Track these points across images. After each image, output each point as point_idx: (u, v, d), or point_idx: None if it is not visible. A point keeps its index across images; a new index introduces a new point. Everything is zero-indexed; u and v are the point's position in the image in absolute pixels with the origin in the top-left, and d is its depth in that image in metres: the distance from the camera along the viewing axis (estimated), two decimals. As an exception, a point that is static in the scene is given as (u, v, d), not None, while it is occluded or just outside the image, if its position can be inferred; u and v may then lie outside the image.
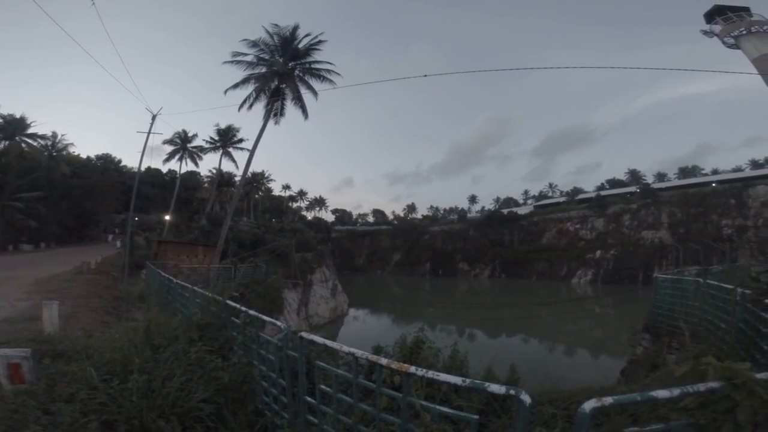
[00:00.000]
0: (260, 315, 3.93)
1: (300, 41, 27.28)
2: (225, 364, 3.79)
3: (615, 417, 3.38)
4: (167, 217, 43.82)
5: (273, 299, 24.18)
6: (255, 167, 73.27)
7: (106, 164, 60.24)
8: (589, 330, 31.57)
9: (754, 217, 47.99)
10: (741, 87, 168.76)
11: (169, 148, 48.75)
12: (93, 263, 19.44)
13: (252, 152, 28.82)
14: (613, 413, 3.44)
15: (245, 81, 27.40)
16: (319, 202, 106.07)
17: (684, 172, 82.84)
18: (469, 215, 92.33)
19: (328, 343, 2.95)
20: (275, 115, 28.39)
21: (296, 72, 27.90)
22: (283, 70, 27.01)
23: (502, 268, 69.21)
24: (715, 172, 75.80)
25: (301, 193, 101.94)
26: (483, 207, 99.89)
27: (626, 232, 58.06)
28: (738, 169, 71.82)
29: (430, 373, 2.30)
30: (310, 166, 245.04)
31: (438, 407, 2.38)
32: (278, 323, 3.64)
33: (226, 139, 46.74)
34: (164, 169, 65.36)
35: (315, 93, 27.34)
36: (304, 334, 3.11)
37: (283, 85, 27.67)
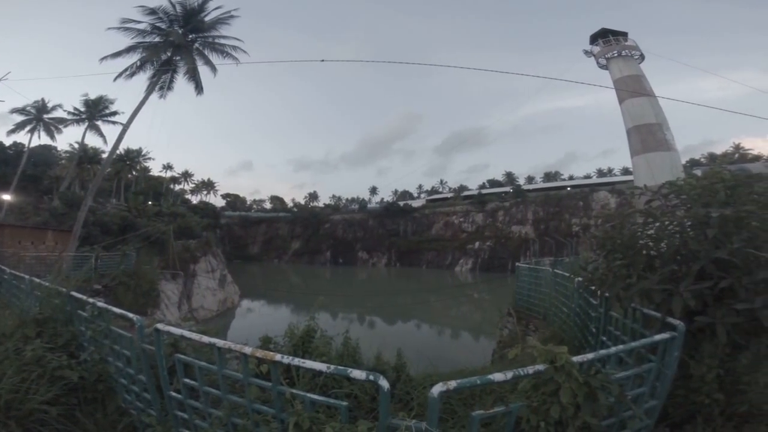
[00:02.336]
0: (109, 307, 3.53)
1: (208, 14, 24.63)
2: (72, 362, 3.44)
3: (484, 396, 3.70)
4: (7, 197, 35.21)
5: (147, 292, 21.48)
6: (133, 144, 63.89)
7: None
8: (470, 314, 34.51)
9: (594, 218, 58.67)
10: (603, 105, 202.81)
11: (20, 119, 39.53)
12: None
13: (126, 126, 24.70)
14: (481, 393, 3.78)
15: (130, 50, 23.57)
16: (208, 185, 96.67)
17: (548, 176, 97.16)
18: (369, 206, 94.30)
19: (187, 333, 2.81)
20: (162, 88, 25.00)
21: (196, 45, 25.07)
22: (179, 42, 23.90)
23: (397, 257, 72.72)
24: (570, 177, 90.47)
25: (186, 175, 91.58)
26: (382, 198, 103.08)
27: (500, 227, 66.08)
28: (588, 177, 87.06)
29: (296, 361, 2.30)
30: (204, 146, 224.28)
31: (309, 395, 2.37)
32: (131, 315, 3.26)
33: (95, 111, 39.59)
34: (8, 141, 52.68)
35: (214, 68, 24.78)
36: (160, 326, 2.88)
37: (177, 58, 24.58)
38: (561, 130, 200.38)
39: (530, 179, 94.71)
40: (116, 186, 59.90)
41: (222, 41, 25.15)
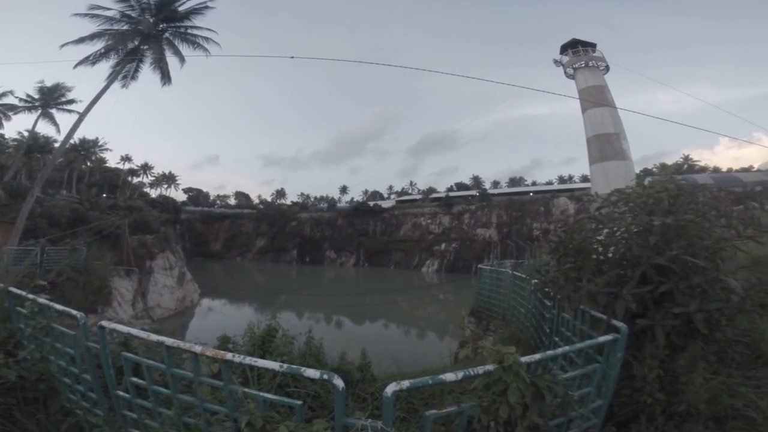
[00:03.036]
0: (51, 303, 3.38)
1: (183, 3, 24.02)
2: (10, 361, 3.30)
3: (446, 396, 3.73)
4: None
5: (97, 289, 20.51)
6: (90, 134, 60.46)
7: None
8: (436, 314, 35.03)
9: (552, 223, 61.15)
10: (570, 114, 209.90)
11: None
12: None
13: (83, 115, 23.69)
14: (442, 393, 3.81)
15: (95, 36, 22.66)
16: (169, 179, 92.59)
17: (513, 181, 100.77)
18: (339, 205, 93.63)
19: (134, 331, 2.76)
20: (125, 77, 24.18)
21: (166, 35, 24.36)
22: (149, 30, 23.22)
23: (365, 257, 72.53)
24: (534, 183, 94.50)
25: (146, 167, 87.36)
26: (353, 198, 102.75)
27: (465, 229, 67.41)
28: (549, 183, 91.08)
29: (248, 360, 2.29)
30: (168, 139, 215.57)
31: (262, 394, 2.35)
32: (74, 312, 3.13)
33: (50, 98, 37.29)
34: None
35: (182, 59, 24.19)
36: (105, 323, 2.81)
37: (145, 47, 23.83)
38: (529, 137, 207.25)
39: (496, 184, 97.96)
40: (68, 177, 56.30)
41: (194, 32, 24.59)
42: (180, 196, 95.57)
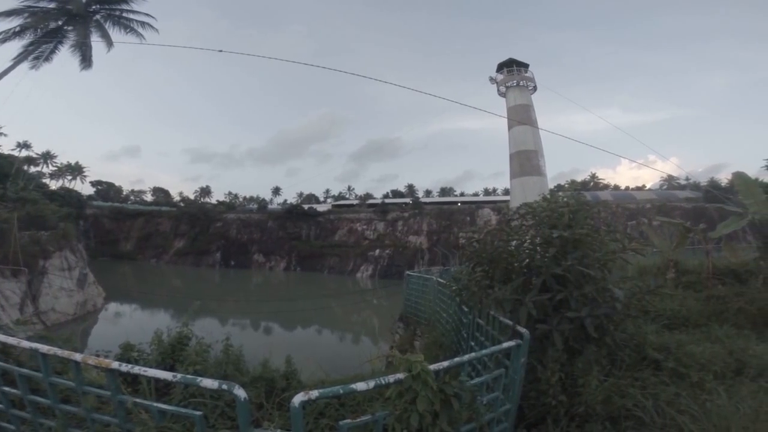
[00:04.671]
0: None
1: None
2: None
3: (375, 404, 3.70)
4: None
5: (-29, 292, 17.48)
6: None
7: None
8: (369, 320, 35.18)
9: (477, 233, 65.26)
10: (500, 130, 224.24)
11: None
12: None
13: None
14: (370, 401, 3.76)
15: (12, 13, 20.10)
16: (74, 170, 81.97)
17: (444, 191, 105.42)
18: (270, 207, 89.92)
19: (2, 338, 2.63)
20: (37, 58, 21.52)
21: (97, 16, 22.09)
22: (78, 11, 20.82)
23: (297, 262, 70.44)
24: (462, 194, 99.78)
25: (47, 156, 76.71)
26: (286, 200, 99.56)
27: (399, 236, 68.98)
28: (476, 194, 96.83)
29: (136, 369, 2.20)
30: (81, 127, 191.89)
31: (156, 404, 2.24)
32: None
33: None
34: None
35: (110, 43, 21.95)
36: None
37: (69, 27, 21.48)
38: (463, 149, 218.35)
39: (428, 192, 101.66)
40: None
41: (130, 16, 22.56)
42: (87, 190, 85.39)
